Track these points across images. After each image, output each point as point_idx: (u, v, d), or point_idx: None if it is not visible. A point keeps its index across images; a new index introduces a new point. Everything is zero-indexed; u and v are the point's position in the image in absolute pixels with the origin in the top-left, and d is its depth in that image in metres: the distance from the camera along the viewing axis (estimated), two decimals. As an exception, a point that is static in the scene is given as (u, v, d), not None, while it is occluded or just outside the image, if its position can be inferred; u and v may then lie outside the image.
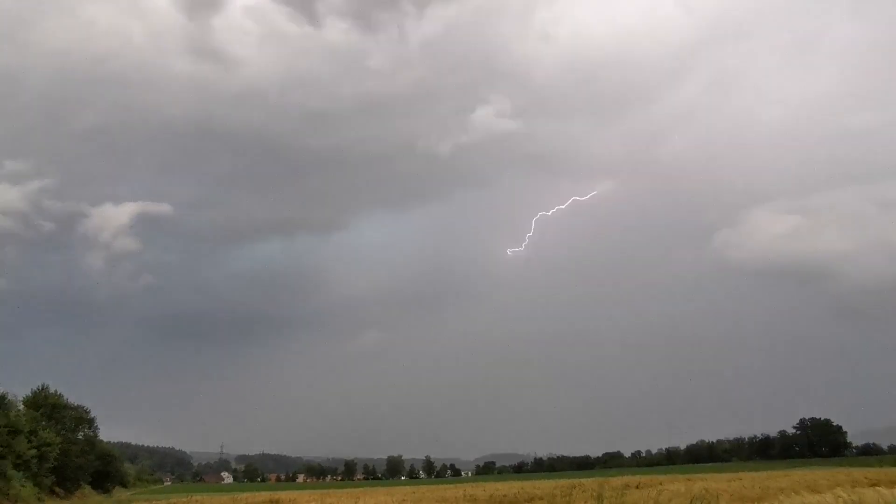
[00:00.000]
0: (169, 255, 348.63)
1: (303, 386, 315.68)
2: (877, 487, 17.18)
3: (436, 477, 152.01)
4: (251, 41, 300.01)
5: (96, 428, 66.83)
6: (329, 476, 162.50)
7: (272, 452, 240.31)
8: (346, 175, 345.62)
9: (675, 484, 33.83)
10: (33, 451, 45.45)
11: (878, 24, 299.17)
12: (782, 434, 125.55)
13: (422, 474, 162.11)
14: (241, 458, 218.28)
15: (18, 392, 52.84)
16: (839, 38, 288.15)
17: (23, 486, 43.10)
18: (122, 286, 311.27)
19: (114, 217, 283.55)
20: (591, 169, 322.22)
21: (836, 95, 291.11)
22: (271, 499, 44.58)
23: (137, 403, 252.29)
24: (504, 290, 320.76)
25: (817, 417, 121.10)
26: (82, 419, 63.54)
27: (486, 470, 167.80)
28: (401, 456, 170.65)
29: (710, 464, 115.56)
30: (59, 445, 51.23)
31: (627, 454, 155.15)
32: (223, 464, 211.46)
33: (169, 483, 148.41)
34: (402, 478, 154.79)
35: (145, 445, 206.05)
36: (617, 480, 38.62)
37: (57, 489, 52.87)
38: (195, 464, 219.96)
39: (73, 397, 62.42)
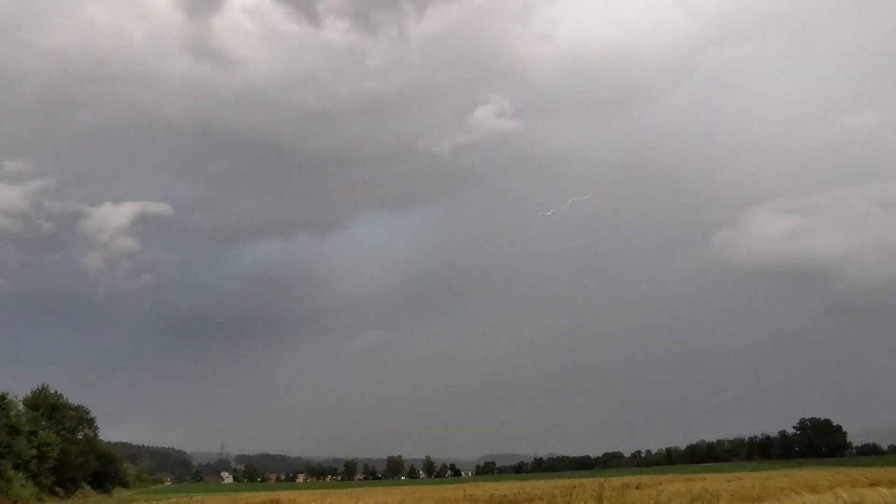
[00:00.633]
0: (169, 255, 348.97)
1: (303, 386, 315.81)
2: (877, 487, 17.17)
3: (436, 477, 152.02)
4: (251, 41, 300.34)
5: (96, 428, 66.92)
6: (329, 476, 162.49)
7: (272, 452, 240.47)
8: (345, 175, 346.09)
9: (675, 484, 33.84)
10: (33, 451, 45.43)
11: (878, 24, 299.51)
12: (782, 434, 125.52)
13: (422, 474, 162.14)
14: (241, 458, 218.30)
15: (18, 392, 52.89)
16: (839, 38, 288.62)
17: (23, 486, 43.08)
18: (121, 286, 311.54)
19: (113, 217, 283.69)
20: (590, 169, 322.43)
21: (836, 95, 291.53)
22: (271, 499, 44.60)
23: (137, 403, 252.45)
24: (504, 291, 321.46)
25: (817, 417, 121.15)
26: (82, 419, 63.54)
27: (486, 470, 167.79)
28: (401, 456, 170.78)
29: (710, 464, 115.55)
30: (59, 445, 51.20)
31: (627, 454, 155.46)
32: (223, 464, 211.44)
33: (169, 483, 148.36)
34: (402, 478, 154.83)
35: (145, 445, 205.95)
36: (617, 480, 38.60)
37: (57, 489, 52.85)
38: (195, 464, 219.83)
39: (73, 397, 62.51)
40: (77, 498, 56.99)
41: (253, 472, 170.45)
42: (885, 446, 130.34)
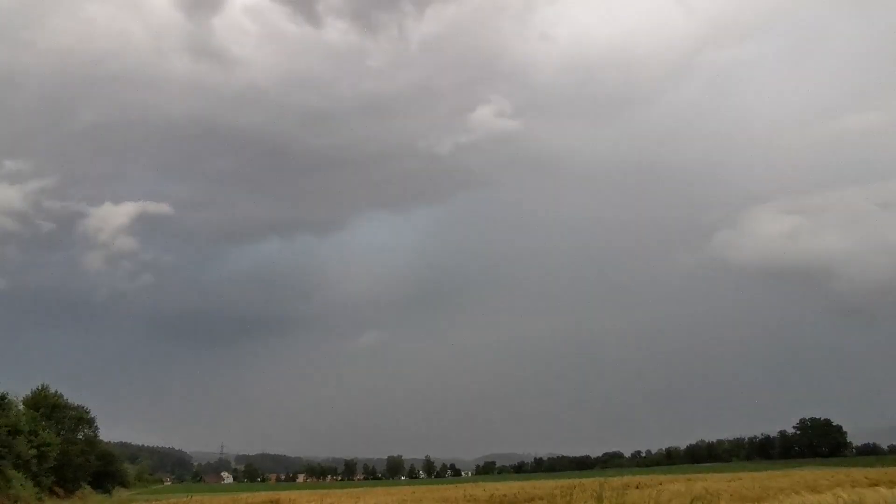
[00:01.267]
0: (169, 255, 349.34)
1: (303, 386, 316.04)
2: (877, 487, 17.16)
3: (436, 477, 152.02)
4: (250, 41, 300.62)
5: (96, 428, 66.73)
6: (329, 476, 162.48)
7: (272, 452, 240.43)
8: (345, 174, 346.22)
9: (675, 484, 33.82)
10: (33, 451, 45.41)
11: (878, 23, 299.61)
12: (782, 434, 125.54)
13: (422, 474, 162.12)
14: (241, 458, 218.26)
15: (18, 392, 52.87)
16: (839, 38, 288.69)
17: (23, 486, 43.06)
18: (121, 286, 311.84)
19: (113, 217, 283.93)
20: (590, 169, 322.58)
21: (836, 95, 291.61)
22: (271, 499, 44.58)
23: (137, 403, 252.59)
24: (504, 290, 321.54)
25: (817, 417, 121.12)
26: (82, 419, 63.47)
27: (486, 470, 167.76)
28: (401, 456, 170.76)
29: (710, 464, 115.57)
30: (59, 445, 51.20)
31: (627, 454, 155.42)
32: (223, 464, 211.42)
33: (169, 483, 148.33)
34: (402, 478, 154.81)
35: (145, 445, 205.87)
36: (617, 480, 38.58)
37: (57, 489, 52.82)
38: (195, 464, 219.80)
39: (73, 397, 62.48)
40: (77, 498, 56.96)
41: (253, 472, 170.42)
42: (885, 446, 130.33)
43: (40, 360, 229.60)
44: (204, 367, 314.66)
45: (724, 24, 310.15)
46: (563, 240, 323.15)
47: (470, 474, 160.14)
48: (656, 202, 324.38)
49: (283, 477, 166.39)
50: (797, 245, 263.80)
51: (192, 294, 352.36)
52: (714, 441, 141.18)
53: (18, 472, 43.30)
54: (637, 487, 31.30)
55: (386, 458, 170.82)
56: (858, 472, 40.94)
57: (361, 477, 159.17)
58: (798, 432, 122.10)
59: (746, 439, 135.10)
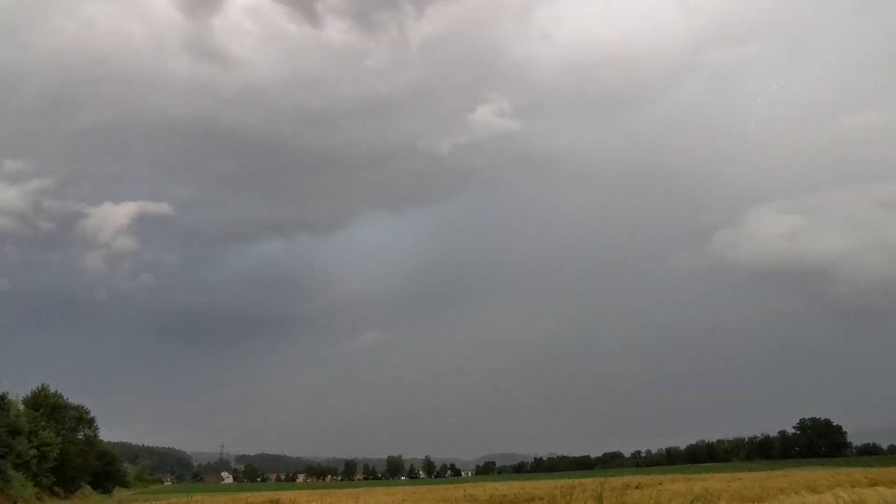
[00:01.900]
0: (169, 255, 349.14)
1: (303, 386, 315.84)
2: (877, 487, 17.18)
3: (436, 477, 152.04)
4: (250, 41, 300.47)
5: (96, 428, 66.72)
6: (329, 476, 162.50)
7: (272, 452, 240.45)
8: (345, 174, 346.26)
9: (675, 484, 33.83)
10: (33, 451, 45.43)
11: (878, 23, 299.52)
12: (782, 434, 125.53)
13: (422, 474, 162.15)
14: (241, 458, 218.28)
15: (18, 392, 52.88)
16: (839, 38, 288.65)
17: (23, 486, 43.08)
18: (121, 286, 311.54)
19: (113, 217, 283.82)
20: (590, 169, 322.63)
21: (835, 95, 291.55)
22: (271, 499, 44.55)
23: (137, 403, 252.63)
24: (504, 290, 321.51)
25: (817, 417, 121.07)
26: (82, 419, 63.47)
27: (486, 470, 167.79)
28: (401, 456, 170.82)
29: (710, 464, 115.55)
30: (59, 445, 51.20)
31: (627, 454, 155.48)
32: (223, 464, 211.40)
33: (169, 483, 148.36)
34: (402, 478, 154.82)
35: (145, 445, 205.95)
36: (617, 480, 38.60)
37: (57, 489, 52.85)
38: (195, 464, 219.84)
39: (73, 397, 62.48)
40: (77, 498, 56.97)
41: (253, 472, 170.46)
42: (885, 446, 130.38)
43: (40, 360, 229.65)
44: (204, 367, 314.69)
45: (724, 24, 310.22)
46: (563, 240, 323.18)
47: (470, 474, 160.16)
48: (656, 202, 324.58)
49: (283, 477, 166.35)
50: (797, 245, 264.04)
51: (193, 294, 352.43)
52: (714, 441, 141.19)
53: (18, 472, 43.32)
54: (637, 487, 31.31)
55: (386, 458, 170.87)
56: (858, 472, 40.95)
57: (361, 477, 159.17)
58: (798, 432, 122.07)
59: (746, 439, 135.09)
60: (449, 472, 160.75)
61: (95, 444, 67.15)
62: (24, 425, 45.73)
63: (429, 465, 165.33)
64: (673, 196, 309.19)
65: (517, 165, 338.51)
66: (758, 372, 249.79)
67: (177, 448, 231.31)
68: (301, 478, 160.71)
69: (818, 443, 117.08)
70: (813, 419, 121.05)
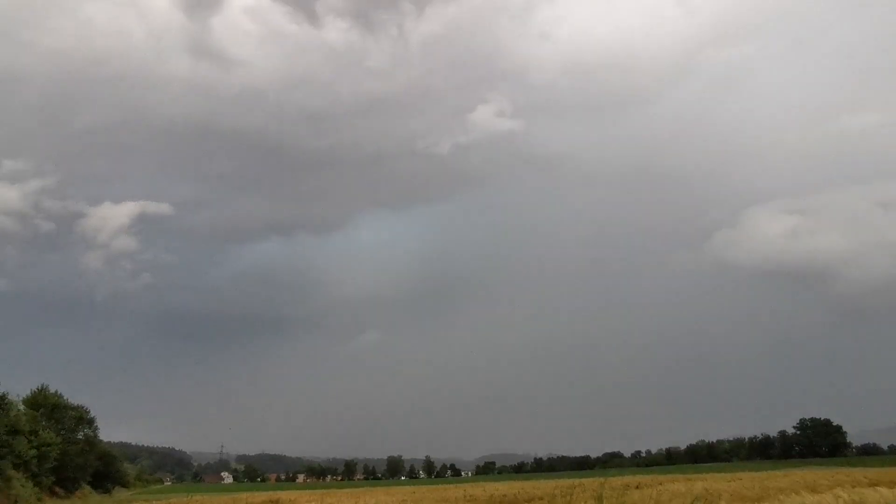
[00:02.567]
0: (169, 255, 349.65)
1: (303, 386, 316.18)
2: (877, 487, 17.17)
3: (436, 477, 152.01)
4: (250, 41, 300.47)
5: (96, 428, 66.86)
6: (329, 476, 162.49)
7: (272, 452, 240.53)
8: (345, 174, 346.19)
9: (675, 484, 33.80)
10: (33, 451, 45.44)
11: (878, 23, 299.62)
12: (782, 434, 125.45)
13: (422, 474, 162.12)
14: (241, 458, 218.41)
15: (18, 392, 52.89)
16: (839, 38, 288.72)
17: (23, 486, 43.08)
18: (121, 286, 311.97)
19: (113, 217, 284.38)
20: (590, 168, 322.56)
21: (835, 95, 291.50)
22: (271, 499, 44.51)
23: (137, 403, 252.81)
24: (505, 290, 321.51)
25: (817, 417, 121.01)
26: (82, 419, 63.52)
27: (486, 470, 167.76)
28: (401, 456, 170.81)
29: (710, 464, 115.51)
30: (59, 445, 51.22)
31: (627, 454, 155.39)
32: (223, 464, 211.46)
33: (169, 483, 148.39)
34: (402, 478, 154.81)
35: (145, 445, 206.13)
36: (617, 480, 38.61)
37: (57, 489, 52.86)
38: (195, 464, 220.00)
39: (73, 397, 62.54)
40: (77, 498, 56.97)
41: (253, 472, 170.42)
42: (885, 446, 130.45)
43: (40, 360, 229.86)
44: (204, 366, 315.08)
45: (724, 24, 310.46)
46: (563, 240, 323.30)
47: (470, 474, 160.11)
48: (656, 202, 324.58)
49: (283, 477, 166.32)
50: (797, 245, 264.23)
51: (192, 294, 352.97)
52: (714, 441, 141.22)
53: (18, 472, 43.32)
54: (637, 487, 31.30)
55: (386, 458, 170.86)
56: (858, 472, 40.91)
57: (361, 477, 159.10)
58: (798, 432, 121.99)
59: (746, 439, 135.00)
60: (449, 472, 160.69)
61: (95, 444, 67.20)
62: (24, 425, 45.75)
63: (429, 465, 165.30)
64: (673, 196, 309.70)
65: (517, 165, 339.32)
66: (758, 372, 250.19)
67: (177, 448, 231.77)
68: (301, 478, 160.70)
69: (818, 443, 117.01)
70: (813, 419, 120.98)
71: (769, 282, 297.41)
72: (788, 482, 31.88)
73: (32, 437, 46.74)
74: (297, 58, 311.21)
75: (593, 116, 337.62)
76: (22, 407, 51.85)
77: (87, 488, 64.53)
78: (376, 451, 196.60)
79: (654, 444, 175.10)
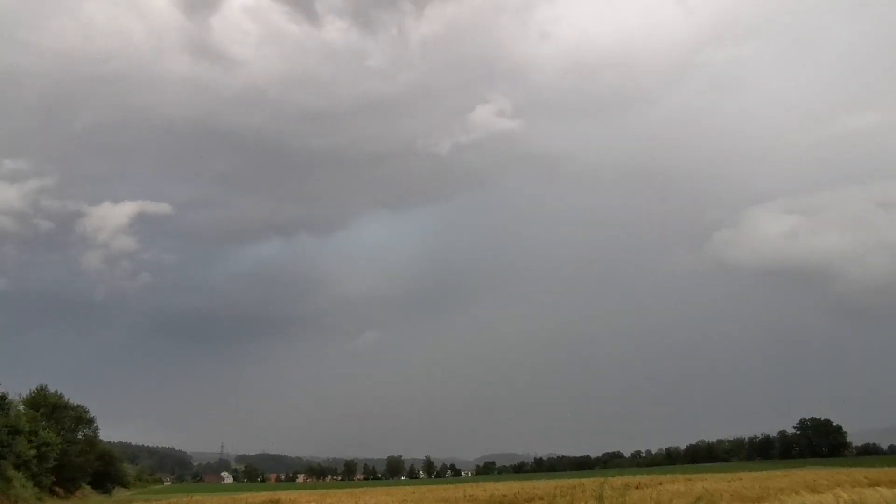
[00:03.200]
0: (169, 255, 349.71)
1: (303, 386, 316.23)
2: (877, 487, 17.15)
3: (436, 477, 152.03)
4: (250, 40, 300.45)
5: (96, 428, 66.79)
6: (329, 476, 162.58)
7: (272, 452, 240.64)
8: (345, 174, 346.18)
9: (676, 484, 33.78)
10: (33, 451, 45.42)
11: (878, 23, 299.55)
12: (782, 434, 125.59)
13: (422, 474, 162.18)
14: (241, 458, 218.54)
15: (18, 392, 52.87)
16: (839, 37, 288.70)
17: (23, 486, 43.06)
18: (121, 286, 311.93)
19: (113, 216, 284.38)
20: (590, 168, 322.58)
21: (836, 95, 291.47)
22: (271, 499, 44.49)
23: (137, 403, 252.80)
24: (505, 290, 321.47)
25: (817, 417, 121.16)
26: (82, 419, 63.49)
27: (486, 470, 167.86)
28: (401, 456, 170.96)
29: (710, 464, 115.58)
30: (59, 445, 51.20)
31: (627, 454, 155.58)
32: (223, 464, 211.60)
33: (169, 483, 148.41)
34: (402, 478, 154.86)
35: (145, 445, 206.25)
36: (617, 480, 38.53)
37: (57, 489, 52.84)
38: (195, 464, 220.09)
39: (73, 397, 62.53)
40: (77, 498, 56.99)
41: (253, 472, 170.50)
42: (885, 446, 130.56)
43: (40, 360, 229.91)
44: (204, 367, 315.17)
45: (723, 23, 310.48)
46: (563, 239, 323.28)
47: (470, 474, 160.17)
48: (657, 202, 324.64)
49: (283, 477, 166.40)
50: (797, 245, 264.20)
51: (192, 294, 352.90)
52: (714, 441, 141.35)
53: (18, 472, 43.31)
54: (637, 487, 31.29)
55: (386, 458, 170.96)
56: (858, 472, 40.87)
57: (361, 477, 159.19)
58: (798, 432, 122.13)
59: (746, 439, 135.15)
60: (449, 472, 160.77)
61: (95, 444, 67.18)
62: (24, 425, 45.72)
63: (429, 465, 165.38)
64: (674, 196, 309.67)
65: (517, 165, 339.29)
66: (758, 372, 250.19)
67: (177, 448, 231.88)
68: (301, 478, 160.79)
69: (818, 443, 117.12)
70: (813, 419, 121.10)
71: (769, 282, 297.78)
72: (788, 482, 31.88)
73: (32, 438, 46.71)
74: (296, 57, 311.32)
75: (593, 116, 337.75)
76: (22, 407, 51.81)
77: (87, 488, 64.53)
78: (376, 451, 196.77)
79: (654, 444, 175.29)
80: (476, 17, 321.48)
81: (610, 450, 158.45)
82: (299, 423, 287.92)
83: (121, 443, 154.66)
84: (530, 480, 71.54)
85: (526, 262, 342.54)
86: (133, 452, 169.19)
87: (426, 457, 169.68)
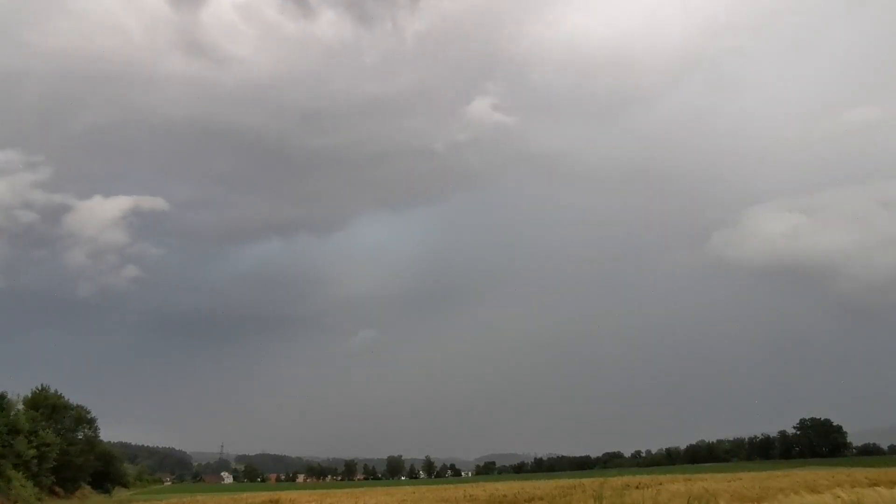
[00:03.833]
0: (168, 255, 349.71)
1: (303, 386, 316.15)
2: (877, 487, 17.16)
3: (436, 477, 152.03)
4: (240, 36, 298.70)
5: (96, 428, 66.87)
6: (329, 476, 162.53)
7: (272, 452, 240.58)
8: (343, 172, 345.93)
9: (675, 484, 33.77)
10: (33, 451, 45.44)
11: (877, 22, 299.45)
12: (782, 434, 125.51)
13: (422, 474, 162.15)
14: (241, 458, 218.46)
15: (18, 392, 52.87)
16: (839, 37, 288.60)
17: (23, 486, 43.06)
18: (121, 286, 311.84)
19: (111, 216, 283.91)
20: (590, 168, 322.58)
21: (836, 93, 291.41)
22: (271, 499, 44.52)
23: (137, 403, 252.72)
24: (504, 290, 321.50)
25: (817, 417, 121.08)
26: (82, 419, 63.53)
27: (486, 470, 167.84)
28: (401, 456, 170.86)
29: (710, 464, 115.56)
30: (59, 445, 51.22)
31: (627, 454, 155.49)
32: (223, 464, 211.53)
33: (169, 483, 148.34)
34: (402, 478, 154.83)
35: (145, 445, 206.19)
36: (617, 480, 38.56)
37: (57, 489, 52.87)
38: (195, 464, 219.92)
39: (73, 397, 62.55)
40: (77, 498, 57.00)
41: (253, 472, 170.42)
42: (885, 446, 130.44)
43: (40, 360, 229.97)
44: (204, 366, 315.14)
45: (723, 24, 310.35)
46: (563, 239, 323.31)
47: (470, 474, 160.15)
48: (656, 201, 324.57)
49: (283, 477, 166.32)
50: (798, 244, 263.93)
51: (193, 293, 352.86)
52: (714, 441, 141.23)
53: (18, 472, 43.31)
54: (637, 487, 31.29)
55: (386, 458, 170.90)
56: (858, 472, 40.90)
57: (361, 477, 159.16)
58: (798, 432, 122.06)
59: (746, 439, 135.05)
60: (449, 472, 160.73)
61: (95, 444, 67.20)
62: (24, 425, 45.74)
63: (429, 465, 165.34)
64: (674, 195, 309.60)
65: (515, 164, 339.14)
66: (758, 372, 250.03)
67: (177, 448, 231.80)
68: (301, 478, 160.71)
69: (818, 443, 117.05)
70: (813, 419, 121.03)
71: (770, 281, 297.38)
72: (788, 482, 31.88)
73: (32, 437, 46.73)
74: (290, 52, 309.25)
75: (593, 115, 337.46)
76: (22, 407, 51.83)
77: (87, 488, 64.54)
78: (376, 451, 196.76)
79: (654, 444, 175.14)
80: (474, 13, 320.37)
81: (610, 450, 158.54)
82: (299, 423, 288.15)
83: (121, 443, 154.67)
84: (530, 480, 71.57)
85: (526, 262, 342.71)
86: (133, 452, 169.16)
87: (426, 457, 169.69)
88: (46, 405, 56.76)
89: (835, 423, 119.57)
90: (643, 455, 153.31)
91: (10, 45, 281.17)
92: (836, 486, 23.42)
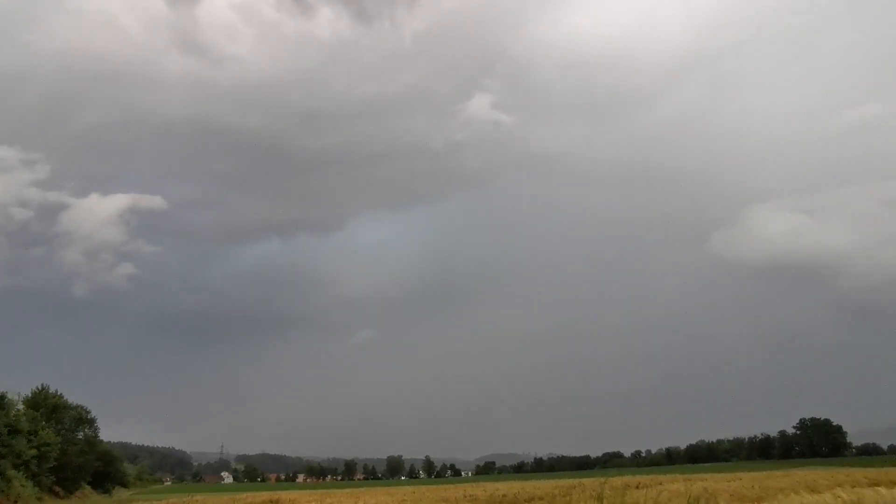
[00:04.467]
0: (166, 254, 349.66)
1: (302, 386, 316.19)
2: (877, 487, 17.16)
3: (436, 477, 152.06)
4: (238, 34, 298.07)
5: (96, 428, 66.83)
6: (329, 476, 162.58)
7: (272, 452, 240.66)
8: (342, 171, 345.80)
9: (675, 484, 33.78)
10: (33, 451, 45.42)
11: (877, 21, 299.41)
12: (782, 434, 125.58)
13: (422, 474, 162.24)
14: (241, 458, 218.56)
15: (18, 392, 52.83)
16: (839, 36, 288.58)
17: (23, 486, 43.05)
18: (121, 285, 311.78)
19: (108, 214, 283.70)
20: (590, 168, 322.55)
21: (837, 93, 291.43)
22: (271, 499, 44.53)
23: (137, 403, 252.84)
24: (504, 290, 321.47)
25: (817, 417, 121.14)
26: (82, 419, 63.49)
27: (486, 470, 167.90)
28: (401, 456, 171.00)
29: (710, 464, 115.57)
30: (59, 445, 51.19)
31: (627, 454, 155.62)
32: (223, 464, 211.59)
33: (169, 483, 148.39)
34: (402, 478, 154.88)
35: (145, 445, 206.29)
36: (617, 480, 38.54)
37: (57, 489, 52.83)
38: (195, 464, 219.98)
39: (73, 397, 62.51)
40: (77, 498, 56.97)
41: (253, 472, 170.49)
42: (885, 446, 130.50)
43: (40, 360, 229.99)
44: (204, 366, 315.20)
45: (723, 24, 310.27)
46: (563, 239, 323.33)
47: (470, 474, 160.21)
48: (656, 201, 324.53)
49: (283, 477, 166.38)
50: (798, 244, 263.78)
51: (192, 293, 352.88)
52: (714, 441, 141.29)
53: (18, 472, 43.30)
54: (637, 487, 31.29)
55: (386, 458, 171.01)
56: (858, 472, 40.90)
57: (361, 477, 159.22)
58: (798, 432, 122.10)
59: (746, 439, 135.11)
60: (449, 472, 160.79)
61: (95, 444, 67.16)
62: (24, 425, 45.72)
63: (429, 465, 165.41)
64: (674, 195, 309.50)
65: (516, 164, 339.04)
66: (758, 372, 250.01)
67: (177, 448, 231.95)
68: (301, 478, 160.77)
69: (818, 443, 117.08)
70: (813, 419, 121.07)
71: (770, 281, 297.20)
72: (788, 482, 31.89)
73: (32, 437, 46.71)
74: (289, 51, 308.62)
75: (592, 115, 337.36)
76: (22, 407, 51.81)
77: (87, 488, 64.50)
78: (376, 451, 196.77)
79: (654, 444, 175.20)
80: (474, 13, 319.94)
81: (610, 450, 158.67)
82: (299, 423, 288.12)
83: (121, 443, 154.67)
84: (530, 480, 71.56)
85: (526, 262, 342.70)
86: (133, 452, 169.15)
87: (426, 457, 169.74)
88: (46, 405, 56.72)
89: (834, 423, 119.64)
90: (643, 455, 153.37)
91: (10, 45, 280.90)
92: (836, 486, 23.43)
